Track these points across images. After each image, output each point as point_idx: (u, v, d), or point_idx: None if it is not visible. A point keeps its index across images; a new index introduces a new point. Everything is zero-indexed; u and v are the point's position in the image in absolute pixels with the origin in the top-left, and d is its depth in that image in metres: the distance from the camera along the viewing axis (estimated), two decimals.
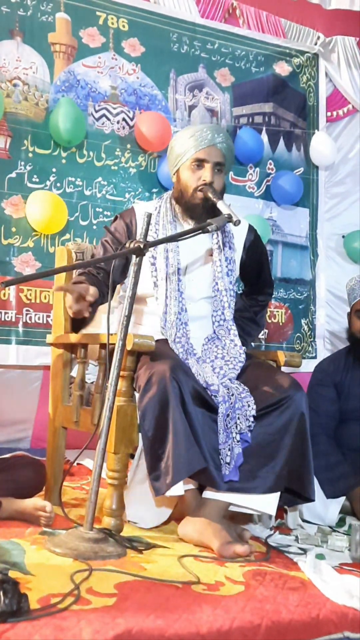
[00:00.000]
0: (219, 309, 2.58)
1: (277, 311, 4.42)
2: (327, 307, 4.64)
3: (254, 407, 2.28)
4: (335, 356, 3.29)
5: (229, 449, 2.22)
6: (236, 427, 2.24)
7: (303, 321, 4.52)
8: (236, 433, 2.24)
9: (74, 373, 2.68)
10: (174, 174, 2.61)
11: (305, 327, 4.53)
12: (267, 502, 2.29)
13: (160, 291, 2.52)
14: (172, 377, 2.16)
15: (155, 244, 2.36)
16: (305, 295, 4.54)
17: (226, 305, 2.58)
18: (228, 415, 2.25)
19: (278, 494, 2.30)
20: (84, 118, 3.72)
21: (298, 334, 4.50)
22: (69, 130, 3.58)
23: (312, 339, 4.56)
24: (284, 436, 2.29)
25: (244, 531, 2.31)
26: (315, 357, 4.44)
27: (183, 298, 2.52)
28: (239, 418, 2.25)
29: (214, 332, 2.57)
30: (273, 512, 2.32)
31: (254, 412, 2.27)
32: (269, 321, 4.36)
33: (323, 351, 4.52)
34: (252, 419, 2.26)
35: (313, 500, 2.37)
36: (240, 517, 2.52)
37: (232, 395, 2.28)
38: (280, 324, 4.43)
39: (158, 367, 2.21)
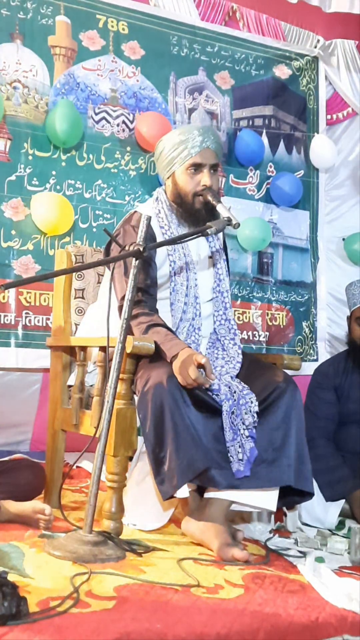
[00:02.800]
0: (220, 309, 2.61)
1: (278, 314, 4.41)
2: (328, 309, 4.64)
3: (257, 403, 2.28)
4: (335, 359, 3.29)
5: (239, 446, 2.22)
6: (242, 423, 2.24)
7: (304, 324, 4.52)
8: (244, 429, 2.24)
9: (71, 382, 2.67)
10: (167, 178, 2.61)
11: (307, 330, 4.52)
12: (267, 499, 2.29)
13: (178, 294, 2.52)
14: (169, 382, 2.17)
15: (154, 247, 2.36)
16: (306, 297, 4.54)
17: (227, 305, 2.61)
18: (233, 413, 2.26)
19: (277, 489, 2.30)
20: (80, 119, 3.71)
21: (299, 337, 4.50)
22: (65, 131, 3.57)
23: (313, 342, 4.55)
24: (286, 429, 2.30)
25: (238, 532, 2.31)
26: (316, 360, 4.44)
27: (198, 303, 2.53)
28: (245, 414, 2.25)
29: (215, 331, 2.58)
30: (274, 508, 2.33)
31: (257, 409, 2.27)
32: (270, 324, 4.36)
33: (324, 354, 4.52)
34: (255, 415, 2.26)
35: (312, 494, 2.36)
36: (238, 517, 2.52)
37: (235, 392, 2.28)
38: (282, 326, 4.43)
39: (156, 371, 2.22)
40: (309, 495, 2.36)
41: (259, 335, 4.33)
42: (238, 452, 2.22)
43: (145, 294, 2.44)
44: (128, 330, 2.19)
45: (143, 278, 2.41)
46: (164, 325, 2.36)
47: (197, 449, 2.15)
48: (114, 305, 2.42)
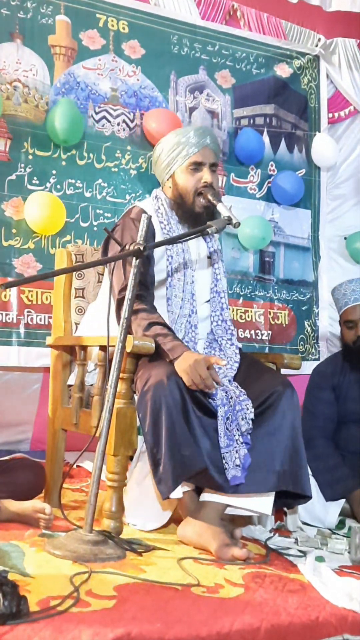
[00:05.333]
0: (217, 310, 2.61)
1: (280, 313, 4.41)
2: (329, 308, 4.62)
3: (252, 410, 2.28)
4: (332, 359, 3.28)
5: (235, 451, 2.22)
6: (237, 429, 2.24)
7: (306, 323, 4.51)
8: (239, 435, 2.24)
9: (71, 381, 2.67)
10: (167, 179, 2.61)
11: (308, 329, 4.52)
12: (263, 503, 2.29)
13: (175, 289, 2.52)
14: (168, 382, 2.16)
15: (155, 246, 2.36)
16: (308, 296, 4.54)
17: (224, 306, 2.61)
18: (228, 419, 2.25)
19: (273, 493, 2.30)
20: (81, 117, 3.70)
21: (301, 336, 4.49)
22: (66, 130, 3.56)
23: (315, 341, 4.55)
24: (280, 434, 2.29)
25: (235, 530, 2.31)
26: (318, 359, 4.43)
27: (194, 300, 2.53)
28: (241, 420, 2.25)
29: (212, 332, 2.58)
30: (269, 512, 2.32)
31: (252, 415, 2.27)
32: (272, 322, 4.36)
33: (326, 353, 4.50)
34: (251, 422, 2.26)
35: (310, 497, 2.36)
36: (239, 519, 2.52)
37: (231, 398, 2.28)
38: (284, 325, 4.42)
39: (155, 371, 2.22)
40: (307, 497, 2.35)
41: (262, 334, 4.32)
42: (235, 458, 2.22)
43: (143, 288, 2.44)
44: (128, 329, 2.18)
45: (142, 273, 2.41)
46: (165, 325, 2.35)
47: (193, 450, 2.15)
48: (112, 299, 2.41)
